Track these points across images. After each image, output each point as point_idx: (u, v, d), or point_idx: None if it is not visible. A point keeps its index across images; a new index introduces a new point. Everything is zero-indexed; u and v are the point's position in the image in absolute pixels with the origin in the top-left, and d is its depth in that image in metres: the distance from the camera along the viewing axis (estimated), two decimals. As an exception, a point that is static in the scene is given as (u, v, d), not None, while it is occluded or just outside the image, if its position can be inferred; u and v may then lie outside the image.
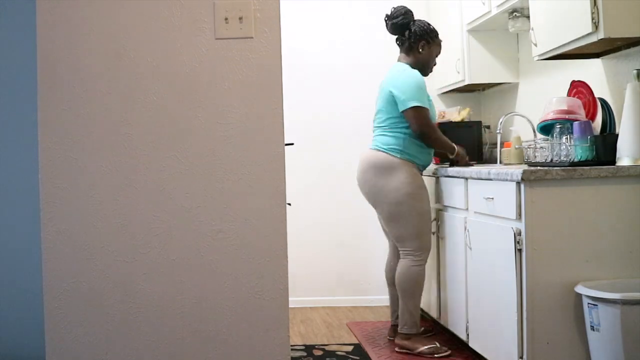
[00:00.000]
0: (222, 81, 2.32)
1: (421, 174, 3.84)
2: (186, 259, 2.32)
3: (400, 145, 3.73)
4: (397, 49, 3.95)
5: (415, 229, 3.72)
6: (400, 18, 3.85)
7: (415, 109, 3.68)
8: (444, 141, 3.82)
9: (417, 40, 3.85)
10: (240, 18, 2.30)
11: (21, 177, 2.97)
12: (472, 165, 3.98)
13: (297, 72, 5.02)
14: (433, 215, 3.96)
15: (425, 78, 3.89)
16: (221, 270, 2.32)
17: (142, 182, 2.31)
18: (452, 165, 3.95)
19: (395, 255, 3.98)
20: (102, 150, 2.30)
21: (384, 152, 3.74)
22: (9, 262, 3.01)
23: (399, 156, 3.73)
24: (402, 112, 3.70)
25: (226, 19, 2.30)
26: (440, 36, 4.70)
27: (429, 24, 3.90)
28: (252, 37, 2.32)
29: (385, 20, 3.91)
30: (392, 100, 3.74)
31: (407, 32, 3.86)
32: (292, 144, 2.67)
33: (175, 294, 2.32)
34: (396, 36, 3.92)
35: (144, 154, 2.31)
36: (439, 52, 3.95)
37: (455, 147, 3.87)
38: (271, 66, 2.32)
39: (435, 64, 3.96)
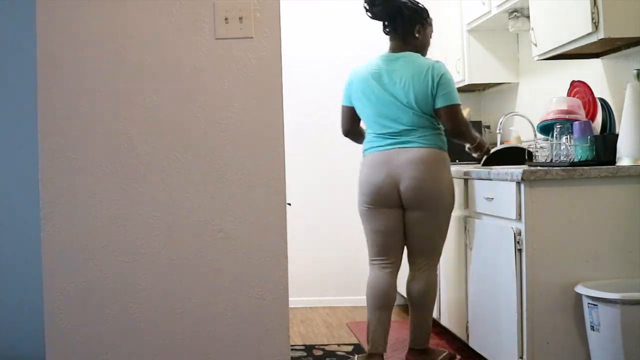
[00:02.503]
0: (222, 81, 2.32)
1: None
2: (186, 259, 2.32)
3: (446, 143, 3.41)
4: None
5: (444, 237, 3.43)
6: (389, 2, 3.37)
7: (457, 106, 3.33)
8: (475, 135, 3.53)
9: (412, 25, 3.40)
10: (240, 18, 2.30)
11: (21, 177, 2.97)
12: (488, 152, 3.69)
13: (298, 71, 5.02)
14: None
15: None
16: (221, 270, 2.32)
17: (142, 182, 2.31)
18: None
19: (393, 274, 3.42)
20: (102, 150, 2.30)
21: (440, 150, 3.34)
22: (9, 262, 3.01)
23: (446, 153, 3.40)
24: (439, 108, 3.30)
25: (226, 19, 2.30)
26: (440, 36, 4.71)
27: (417, 3, 3.46)
28: (252, 37, 2.32)
29: (367, 8, 3.40)
30: (428, 99, 3.30)
31: (398, 18, 3.39)
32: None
33: (175, 294, 2.32)
34: (383, 23, 3.45)
35: (144, 154, 2.31)
36: (432, 31, 3.54)
37: (481, 138, 3.59)
38: (271, 66, 2.32)
39: (430, 45, 3.55)
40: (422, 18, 3.44)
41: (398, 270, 3.43)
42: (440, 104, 3.30)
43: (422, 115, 3.33)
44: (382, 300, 3.38)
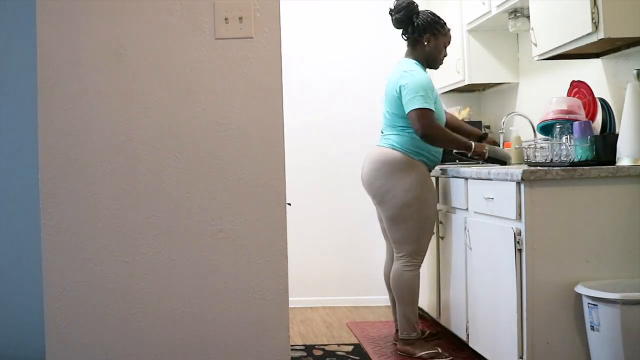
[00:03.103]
0: (222, 81, 2.32)
1: (429, 174, 3.74)
2: (186, 259, 2.32)
3: (416, 147, 3.61)
4: (400, 45, 3.88)
5: (415, 233, 3.61)
6: (402, 12, 3.67)
7: (416, 111, 3.51)
8: (453, 139, 3.62)
9: (421, 34, 3.67)
10: (240, 18, 2.30)
11: (21, 177, 2.97)
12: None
13: (298, 71, 5.02)
14: (433, 215, 3.95)
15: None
16: (221, 270, 2.32)
17: (142, 182, 2.31)
18: (467, 159, 3.77)
19: (391, 258, 3.87)
20: (102, 150, 2.30)
21: (399, 151, 3.61)
22: (9, 262, 3.01)
23: (415, 157, 3.61)
24: (407, 114, 3.55)
25: (226, 19, 2.30)
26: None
27: (433, 15, 3.71)
28: (252, 37, 2.32)
29: (390, 14, 3.74)
30: (400, 102, 3.60)
31: (410, 27, 3.69)
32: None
33: (175, 294, 2.32)
34: (401, 30, 3.76)
35: (144, 154, 2.31)
36: (448, 42, 3.75)
37: (471, 143, 3.62)
38: (271, 66, 2.32)
39: (445, 55, 3.78)
40: (434, 29, 3.69)
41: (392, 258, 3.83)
42: (405, 110, 3.58)
43: (394, 117, 3.66)
44: (387, 283, 3.90)
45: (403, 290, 3.66)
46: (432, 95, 3.60)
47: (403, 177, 3.59)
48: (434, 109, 3.57)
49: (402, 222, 3.61)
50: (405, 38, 3.77)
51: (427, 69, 3.77)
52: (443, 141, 3.62)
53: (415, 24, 3.68)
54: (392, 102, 3.66)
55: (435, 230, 3.93)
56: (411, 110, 3.53)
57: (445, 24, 3.75)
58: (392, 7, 3.74)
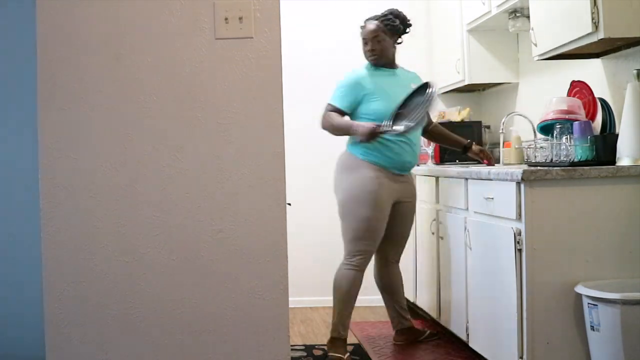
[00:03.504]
0: (222, 81, 2.32)
1: (398, 175, 3.65)
2: (186, 259, 2.32)
3: (363, 146, 3.58)
4: (399, 48, 3.92)
5: (348, 233, 3.67)
6: None
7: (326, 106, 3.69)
8: (337, 127, 3.64)
9: None
10: (240, 18, 2.30)
11: (21, 177, 2.97)
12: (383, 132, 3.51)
13: (297, 71, 5.01)
14: (433, 215, 3.95)
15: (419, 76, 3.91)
16: (221, 271, 2.32)
17: (142, 182, 2.31)
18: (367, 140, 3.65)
19: (379, 259, 3.91)
20: (102, 150, 2.30)
21: (348, 151, 3.71)
22: (9, 262, 3.01)
23: (361, 157, 3.62)
24: None
25: (226, 19, 2.30)
26: (440, 36, 4.72)
27: None
28: (252, 37, 2.32)
29: None
30: None
31: None
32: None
33: (175, 294, 2.32)
34: None
35: (144, 153, 2.31)
36: (365, 35, 3.78)
37: (351, 123, 3.59)
38: (271, 66, 2.32)
39: (369, 47, 3.75)
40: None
41: (379, 260, 3.95)
42: None
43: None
44: (378, 285, 4.01)
45: (334, 285, 3.70)
46: (340, 93, 3.68)
47: (346, 177, 3.67)
48: (335, 104, 3.66)
49: (341, 219, 3.73)
50: None
51: (389, 66, 3.80)
52: (332, 130, 3.69)
53: None
54: None
55: (432, 229, 3.94)
56: None
57: (363, 24, 3.84)
58: None
